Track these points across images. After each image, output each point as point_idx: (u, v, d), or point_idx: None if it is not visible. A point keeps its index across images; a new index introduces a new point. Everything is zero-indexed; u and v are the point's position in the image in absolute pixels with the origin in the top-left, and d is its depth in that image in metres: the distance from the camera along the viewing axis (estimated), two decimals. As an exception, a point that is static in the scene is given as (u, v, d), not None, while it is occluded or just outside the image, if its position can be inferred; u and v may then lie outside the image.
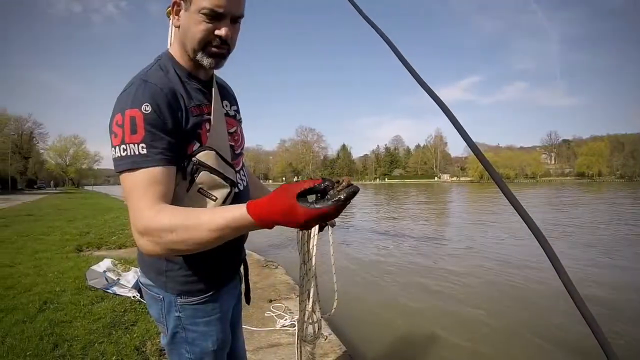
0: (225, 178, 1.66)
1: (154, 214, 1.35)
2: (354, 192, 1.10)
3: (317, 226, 1.83)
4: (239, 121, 1.94)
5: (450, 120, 1.96)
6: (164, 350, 2.53)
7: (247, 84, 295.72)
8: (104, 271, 5.87)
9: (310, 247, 1.90)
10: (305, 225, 1.14)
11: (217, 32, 1.52)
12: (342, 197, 1.08)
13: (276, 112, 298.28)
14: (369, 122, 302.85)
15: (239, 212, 1.22)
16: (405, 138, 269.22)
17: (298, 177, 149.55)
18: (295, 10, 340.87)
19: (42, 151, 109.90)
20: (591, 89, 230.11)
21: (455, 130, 1.94)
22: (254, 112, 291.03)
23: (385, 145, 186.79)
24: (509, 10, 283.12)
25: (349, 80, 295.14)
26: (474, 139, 1.90)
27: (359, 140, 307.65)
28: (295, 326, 4.74)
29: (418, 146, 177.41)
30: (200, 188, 1.60)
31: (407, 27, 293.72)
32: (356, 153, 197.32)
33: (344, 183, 1.13)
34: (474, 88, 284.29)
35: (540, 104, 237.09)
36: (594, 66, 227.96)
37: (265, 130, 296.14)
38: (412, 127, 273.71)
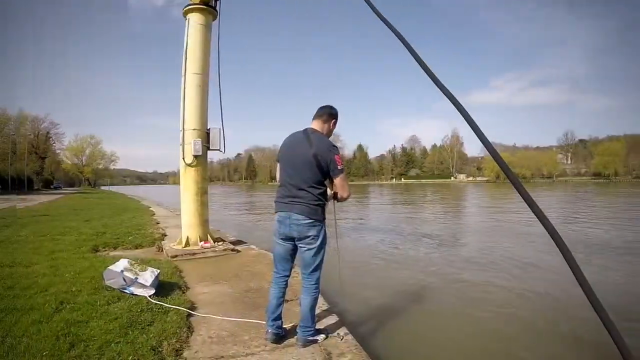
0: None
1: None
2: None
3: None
4: None
5: (467, 120, 1.95)
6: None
7: (263, 86, 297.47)
8: (122, 271, 5.88)
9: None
10: None
11: None
12: None
13: (292, 111, 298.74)
14: (386, 121, 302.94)
15: None
16: (422, 138, 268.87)
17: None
18: (304, 15, 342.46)
19: (58, 151, 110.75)
20: (614, 93, 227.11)
21: (472, 131, 1.93)
22: (269, 112, 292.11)
23: (402, 145, 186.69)
24: (539, 19, 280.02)
25: (361, 82, 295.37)
26: (489, 139, 1.89)
27: (376, 139, 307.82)
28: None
29: (434, 146, 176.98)
30: None
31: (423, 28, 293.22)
32: (372, 153, 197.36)
33: None
34: (498, 91, 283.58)
35: (559, 105, 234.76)
36: (618, 71, 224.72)
37: (281, 130, 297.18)
38: (429, 126, 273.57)
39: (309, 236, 4.23)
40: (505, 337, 5.84)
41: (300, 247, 4.33)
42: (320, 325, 4.89)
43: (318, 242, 4.27)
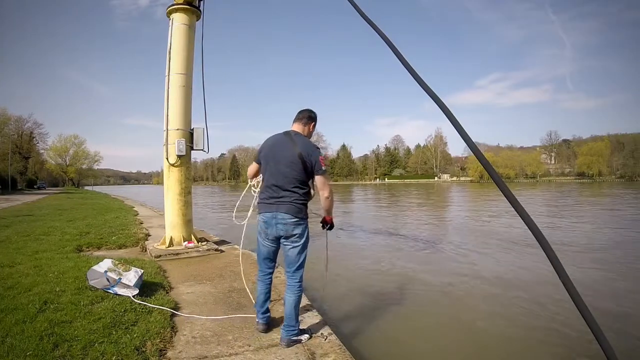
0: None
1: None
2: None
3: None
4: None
5: (450, 120, 1.97)
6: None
7: (246, 85, 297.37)
8: (105, 271, 5.86)
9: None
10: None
11: None
12: None
13: (274, 112, 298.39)
14: (370, 122, 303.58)
15: None
16: (406, 138, 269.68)
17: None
18: (297, 12, 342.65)
19: (42, 151, 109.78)
20: (598, 93, 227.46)
21: (456, 132, 1.95)
22: (253, 113, 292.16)
23: (386, 145, 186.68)
24: (529, 20, 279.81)
25: (346, 82, 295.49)
26: (473, 139, 1.91)
27: (359, 139, 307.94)
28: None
29: (418, 146, 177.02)
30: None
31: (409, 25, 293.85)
32: (356, 153, 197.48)
33: None
34: (482, 91, 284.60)
35: (542, 105, 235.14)
36: (604, 71, 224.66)
37: (265, 131, 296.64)
38: (413, 127, 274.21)
39: (294, 234, 4.42)
40: (485, 335, 5.92)
41: (286, 245, 4.50)
42: (303, 325, 4.95)
43: (303, 240, 4.48)
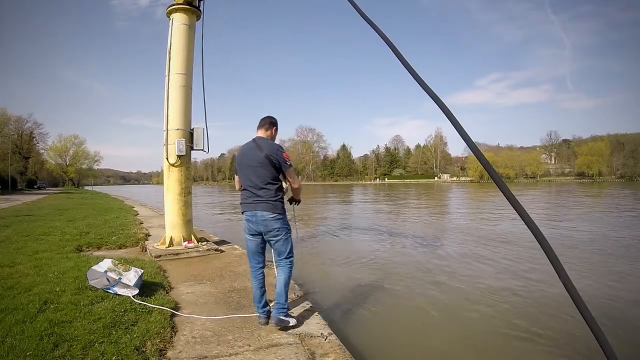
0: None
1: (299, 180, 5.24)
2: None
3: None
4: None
5: (450, 121, 1.97)
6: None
7: (246, 85, 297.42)
8: (105, 271, 5.86)
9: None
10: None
11: None
12: None
13: (274, 112, 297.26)
14: (370, 122, 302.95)
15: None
16: (406, 138, 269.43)
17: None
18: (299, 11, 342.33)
19: (42, 151, 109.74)
20: (598, 93, 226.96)
21: (455, 130, 1.95)
22: (253, 113, 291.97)
23: (386, 145, 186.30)
24: (529, 20, 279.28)
25: (346, 82, 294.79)
26: (473, 139, 1.91)
27: (359, 139, 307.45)
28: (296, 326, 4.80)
29: (418, 146, 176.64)
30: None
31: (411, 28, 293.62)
32: (356, 153, 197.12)
33: None
34: (482, 91, 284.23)
35: (542, 105, 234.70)
36: (604, 71, 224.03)
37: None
38: (413, 127, 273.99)
39: (274, 228, 4.95)
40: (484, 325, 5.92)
41: (270, 240, 5.05)
42: (303, 325, 5.03)
43: (284, 232, 5.03)
